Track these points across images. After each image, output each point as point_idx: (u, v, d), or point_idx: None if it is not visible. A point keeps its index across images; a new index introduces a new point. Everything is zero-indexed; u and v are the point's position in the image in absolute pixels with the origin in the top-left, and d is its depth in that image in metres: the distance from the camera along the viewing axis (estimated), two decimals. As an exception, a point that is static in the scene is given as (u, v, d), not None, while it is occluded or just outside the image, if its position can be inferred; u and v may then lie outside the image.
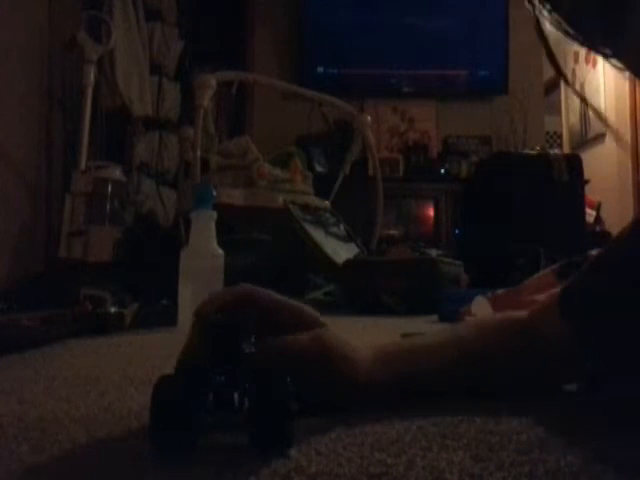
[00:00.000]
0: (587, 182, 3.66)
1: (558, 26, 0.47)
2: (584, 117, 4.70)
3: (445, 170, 4.01)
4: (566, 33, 0.47)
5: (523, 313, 0.63)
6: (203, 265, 1.31)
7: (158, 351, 0.98)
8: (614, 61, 0.45)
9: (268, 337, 0.49)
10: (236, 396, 0.42)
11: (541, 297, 0.61)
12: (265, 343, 0.48)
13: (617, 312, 0.54)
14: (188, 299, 1.30)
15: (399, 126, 4.22)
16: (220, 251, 1.32)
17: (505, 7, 4.06)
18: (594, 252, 0.63)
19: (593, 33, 0.46)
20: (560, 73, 0.53)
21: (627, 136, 4.17)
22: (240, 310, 0.49)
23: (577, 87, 5.11)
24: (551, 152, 3.74)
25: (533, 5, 0.48)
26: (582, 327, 0.56)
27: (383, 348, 0.57)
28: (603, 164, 4.25)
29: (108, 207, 2.31)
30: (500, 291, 1.35)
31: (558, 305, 0.57)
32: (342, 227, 2.72)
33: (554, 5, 0.46)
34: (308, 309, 0.53)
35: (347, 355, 0.52)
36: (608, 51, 0.46)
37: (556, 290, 0.60)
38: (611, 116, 4.45)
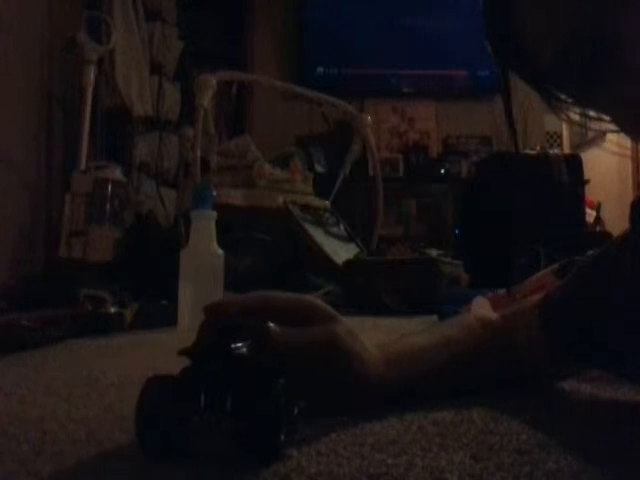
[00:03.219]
0: (587, 182, 3.66)
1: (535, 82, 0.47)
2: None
3: (445, 170, 4.01)
4: (542, 88, 0.47)
5: (496, 315, 0.65)
6: (203, 265, 1.31)
7: (158, 351, 0.98)
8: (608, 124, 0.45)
9: (281, 328, 0.49)
10: (229, 399, 0.40)
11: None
12: (278, 333, 0.48)
13: (592, 318, 0.56)
14: (188, 299, 1.30)
15: (399, 126, 4.22)
16: (220, 251, 1.32)
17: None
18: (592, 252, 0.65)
19: (574, 89, 0.46)
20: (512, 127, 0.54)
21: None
22: (256, 315, 0.49)
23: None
24: (551, 152, 3.74)
25: (503, 60, 0.48)
26: (560, 331, 0.58)
27: (387, 348, 0.57)
28: (603, 164, 4.24)
29: (108, 207, 2.30)
30: (500, 291, 1.35)
31: (539, 310, 0.60)
32: (342, 227, 2.72)
33: (534, 58, 0.45)
34: (322, 305, 0.53)
35: (358, 353, 0.52)
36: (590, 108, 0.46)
37: (535, 297, 0.63)
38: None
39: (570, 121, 0.49)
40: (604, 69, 0.42)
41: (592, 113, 0.47)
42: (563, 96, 0.47)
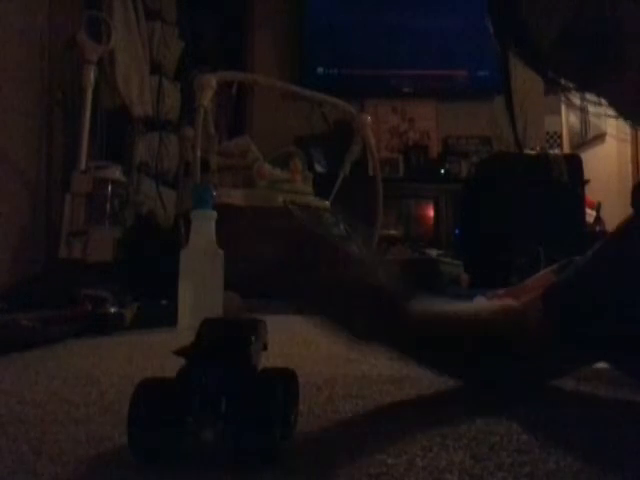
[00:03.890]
0: (587, 182, 3.66)
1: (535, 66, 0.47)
2: (584, 117, 4.70)
3: (445, 170, 4.01)
4: (540, 71, 0.47)
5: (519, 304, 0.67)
6: (203, 265, 1.31)
7: (158, 351, 0.98)
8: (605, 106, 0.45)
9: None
10: (225, 400, 0.40)
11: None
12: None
13: (594, 307, 0.57)
14: (188, 299, 1.30)
15: (399, 126, 4.22)
16: (220, 251, 1.32)
17: (505, 7, 4.06)
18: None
19: (573, 73, 0.46)
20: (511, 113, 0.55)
21: (627, 136, 4.16)
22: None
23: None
24: (551, 152, 3.74)
25: (504, 43, 0.48)
26: (563, 317, 0.59)
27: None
28: (603, 164, 4.24)
29: (108, 207, 2.30)
30: (500, 291, 1.35)
31: (543, 298, 0.61)
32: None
33: (534, 44, 0.45)
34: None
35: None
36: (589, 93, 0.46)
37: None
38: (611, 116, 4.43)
39: (571, 104, 0.49)
40: (605, 54, 0.42)
41: (591, 97, 0.48)
42: (563, 80, 0.48)
